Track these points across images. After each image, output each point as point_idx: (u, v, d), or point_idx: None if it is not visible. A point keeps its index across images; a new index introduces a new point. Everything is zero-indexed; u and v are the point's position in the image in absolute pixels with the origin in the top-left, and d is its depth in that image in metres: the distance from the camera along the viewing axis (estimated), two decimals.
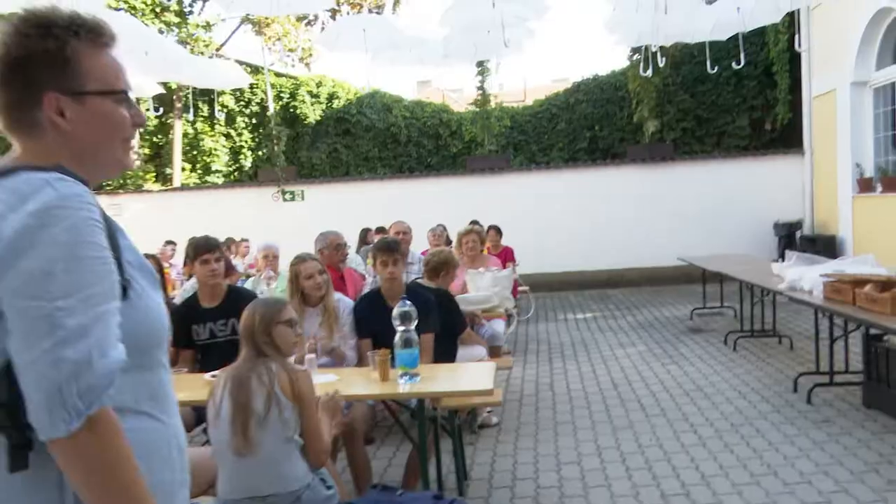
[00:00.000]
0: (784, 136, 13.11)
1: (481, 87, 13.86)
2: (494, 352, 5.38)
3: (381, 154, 14.98)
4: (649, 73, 10.01)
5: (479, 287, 5.73)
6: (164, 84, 12.96)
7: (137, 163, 14.84)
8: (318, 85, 15.31)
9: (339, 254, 4.81)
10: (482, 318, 5.50)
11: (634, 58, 12.66)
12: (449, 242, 7.98)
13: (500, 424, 5.06)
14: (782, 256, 7.85)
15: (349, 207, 11.96)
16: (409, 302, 3.27)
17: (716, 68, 10.08)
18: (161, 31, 13.21)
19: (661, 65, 9.21)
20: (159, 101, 14.47)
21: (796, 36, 8.11)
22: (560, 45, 75.76)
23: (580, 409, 5.40)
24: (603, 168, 12.91)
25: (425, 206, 11.14)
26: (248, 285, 6.31)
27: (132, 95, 1.28)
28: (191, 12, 14.27)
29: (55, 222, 1.05)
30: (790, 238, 11.60)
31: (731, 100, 13.60)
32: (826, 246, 10.78)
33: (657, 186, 12.31)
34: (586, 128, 14.43)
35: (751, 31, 9.65)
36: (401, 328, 3.20)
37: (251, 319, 2.65)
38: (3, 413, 1.06)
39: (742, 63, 9.42)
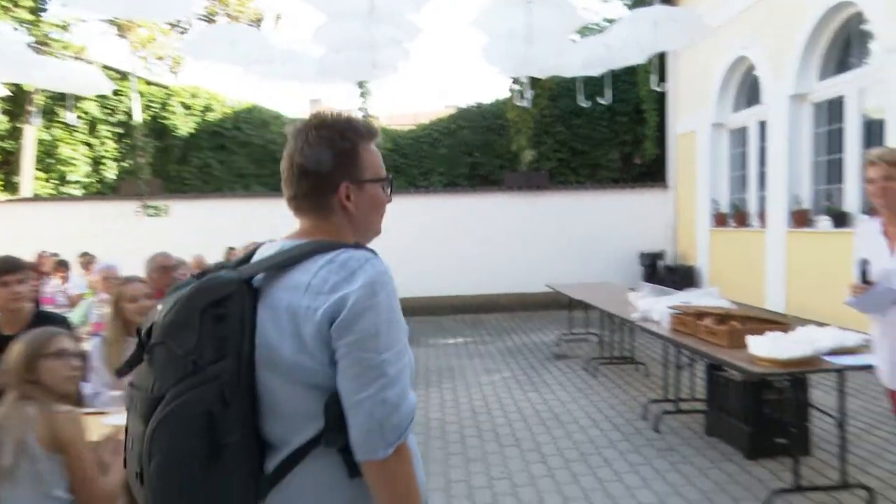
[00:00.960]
0: (652, 171, 13.75)
1: (363, 108, 13.67)
2: None
3: (258, 171, 14.44)
4: (525, 103, 10.19)
5: None
6: (17, 85, 11.95)
7: None
8: (193, 96, 14.62)
9: (167, 277, 4.35)
10: None
11: (514, 87, 12.91)
12: None
13: None
14: None
15: (217, 225, 11.38)
16: None
17: (589, 103, 10.43)
18: (15, 29, 12.17)
19: (527, 96, 9.40)
20: (12, 102, 13.34)
21: (653, 76, 8.49)
22: (450, 72, 76.93)
23: (436, 439, 5.25)
24: (481, 194, 13.02)
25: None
26: (81, 308, 5.79)
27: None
28: (45, 10, 13.21)
29: (378, 293, 1.33)
30: (653, 267, 12.10)
31: (605, 134, 14.12)
32: (685, 276, 11.33)
33: (532, 214, 12.54)
34: (467, 153, 14.53)
35: (623, 70, 10.03)
36: None
37: (13, 355, 2.28)
38: (338, 436, 1.31)
39: (610, 100, 9.75)
